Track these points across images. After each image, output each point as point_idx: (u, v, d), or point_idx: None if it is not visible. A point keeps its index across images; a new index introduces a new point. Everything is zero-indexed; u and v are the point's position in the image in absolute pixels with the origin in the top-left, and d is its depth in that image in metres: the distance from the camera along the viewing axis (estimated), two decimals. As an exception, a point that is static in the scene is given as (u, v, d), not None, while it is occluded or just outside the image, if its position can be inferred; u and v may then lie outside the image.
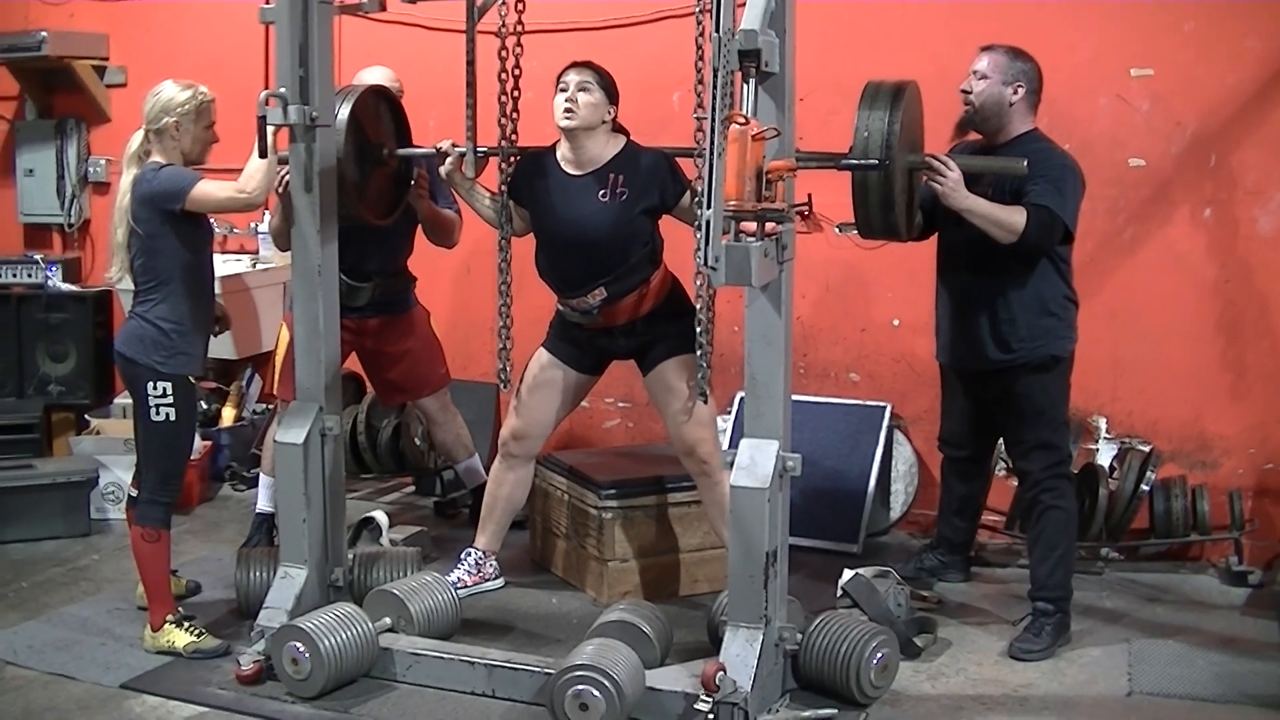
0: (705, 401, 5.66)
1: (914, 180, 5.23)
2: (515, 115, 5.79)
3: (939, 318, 5.87)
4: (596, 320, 5.87)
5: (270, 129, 5.21)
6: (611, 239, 5.71)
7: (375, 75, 6.54)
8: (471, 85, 5.77)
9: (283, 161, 5.57)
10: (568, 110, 5.65)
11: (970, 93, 5.57)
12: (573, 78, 5.67)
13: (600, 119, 5.69)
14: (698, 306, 5.43)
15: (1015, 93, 5.51)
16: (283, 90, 5.16)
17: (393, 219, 6.24)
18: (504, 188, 5.84)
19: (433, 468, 7.60)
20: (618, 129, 5.82)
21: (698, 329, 5.41)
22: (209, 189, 5.25)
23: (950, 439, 6.17)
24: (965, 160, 5.36)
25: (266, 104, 5.15)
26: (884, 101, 4.89)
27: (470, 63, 5.77)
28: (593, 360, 6.10)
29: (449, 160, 5.85)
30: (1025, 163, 5.23)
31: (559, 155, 5.82)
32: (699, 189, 5.13)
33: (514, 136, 5.80)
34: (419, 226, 6.53)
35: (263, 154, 5.22)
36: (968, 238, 5.44)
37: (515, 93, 5.76)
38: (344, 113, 5.64)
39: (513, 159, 5.85)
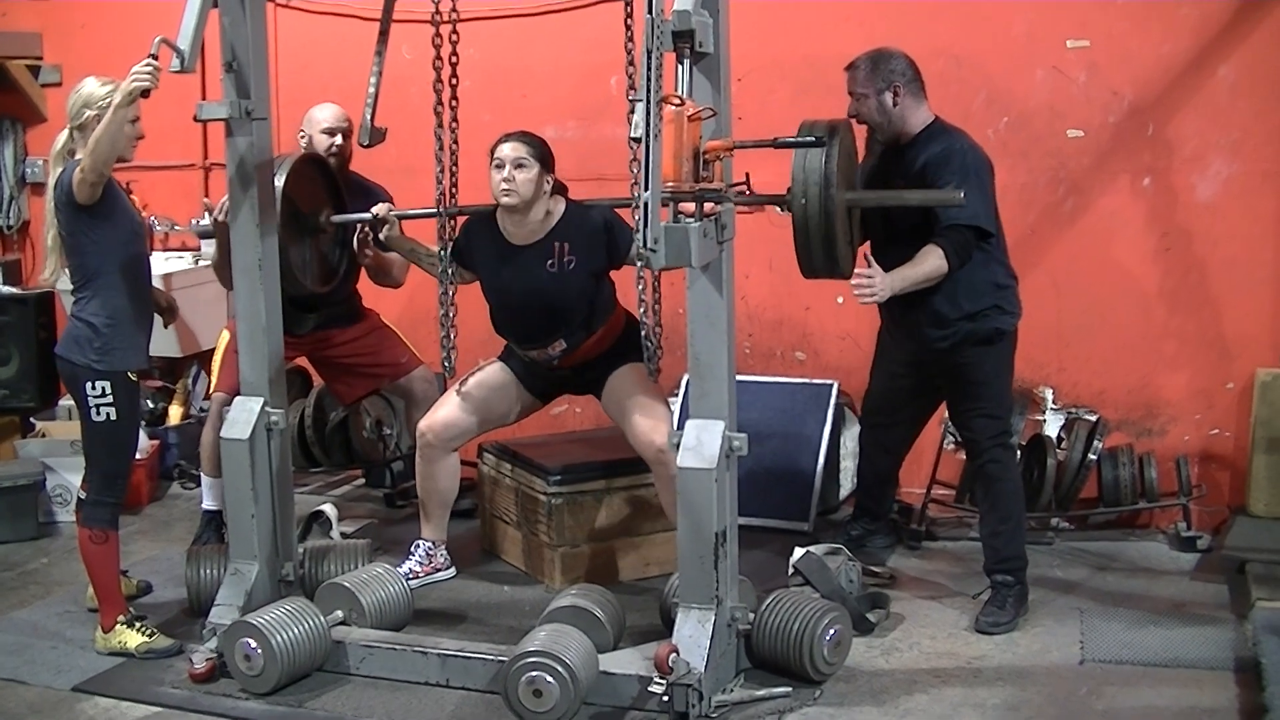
0: (655, 377, 5.70)
1: (852, 217, 5.27)
2: (455, 103, 5.79)
3: (887, 310, 5.88)
4: (554, 364, 5.99)
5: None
6: (566, 303, 5.81)
7: (324, 113, 6.57)
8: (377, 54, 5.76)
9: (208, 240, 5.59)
10: (506, 190, 5.69)
11: (856, 115, 5.62)
12: (508, 153, 5.69)
13: (540, 191, 5.74)
14: (639, 287, 5.44)
15: (895, 94, 5.54)
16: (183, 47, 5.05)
17: (336, 283, 6.33)
18: (445, 247, 5.89)
19: (382, 460, 7.58)
20: (556, 189, 5.86)
21: (640, 309, 5.42)
22: (76, 175, 5.15)
23: (878, 411, 6.24)
24: (897, 195, 5.45)
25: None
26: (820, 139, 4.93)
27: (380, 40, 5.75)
28: (543, 386, 6.19)
29: (387, 227, 5.93)
30: (961, 194, 5.22)
31: (501, 226, 5.89)
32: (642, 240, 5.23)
33: (454, 125, 5.80)
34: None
35: None
36: (898, 238, 5.50)
37: (453, 80, 5.75)
38: (279, 186, 5.68)
39: (456, 220, 5.96)
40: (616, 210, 5.87)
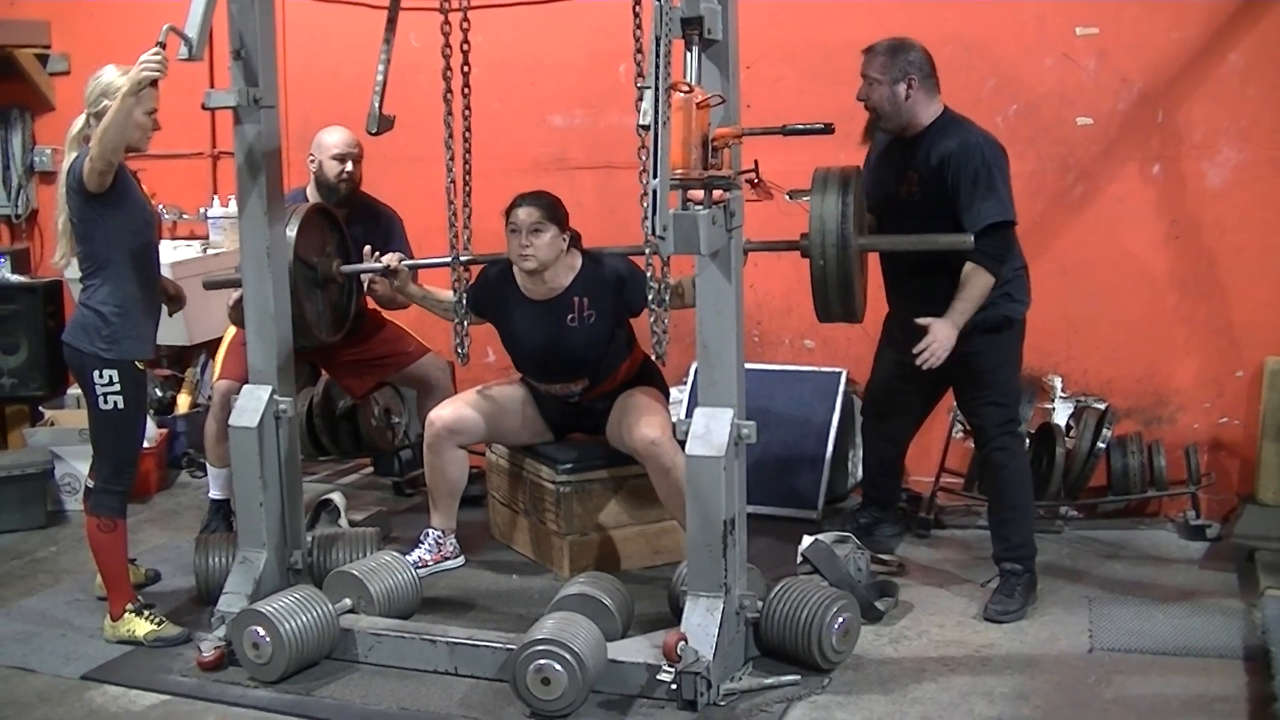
0: (661, 362, 5.70)
1: (865, 261, 5.32)
2: (467, 90, 5.79)
3: (895, 314, 5.87)
4: (575, 400, 6.08)
5: None
6: (587, 353, 5.89)
7: (334, 138, 6.62)
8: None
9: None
10: (525, 256, 5.73)
11: (865, 99, 5.59)
12: (523, 218, 5.73)
13: (557, 252, 5.78)
14: (648, 274, 5.44)
15: (909, 86, 5.49)
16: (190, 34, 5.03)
17: (346, 329, 6.42)
18: (459, 287, 5.92)
19: (391, 448, 7.58)
20: (572, 242, 5.89)
21: (649, 296, 5.41)
22: (86, 163, 5.14)
23: (880, 401, 6.24)
24: (910, 240, 5.44)
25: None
26: (835, 187, 5.00)
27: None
28: (557, 418, 6.27)
29: (399, 278, 6.02)
30: (970, 238, 5.24)
31: (519, 283, 5.93)
32: (657, 285, 5.33)
33: (467, 113, 5.81)
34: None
35: None
36: (912, 254, 5.53)
37: (465, 68, 5.75)
38: (291, 240, 5.76)
39: (471, 269, 6.02)
40: (631, 258, 5.89)
